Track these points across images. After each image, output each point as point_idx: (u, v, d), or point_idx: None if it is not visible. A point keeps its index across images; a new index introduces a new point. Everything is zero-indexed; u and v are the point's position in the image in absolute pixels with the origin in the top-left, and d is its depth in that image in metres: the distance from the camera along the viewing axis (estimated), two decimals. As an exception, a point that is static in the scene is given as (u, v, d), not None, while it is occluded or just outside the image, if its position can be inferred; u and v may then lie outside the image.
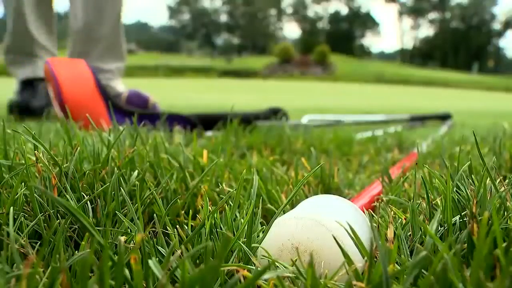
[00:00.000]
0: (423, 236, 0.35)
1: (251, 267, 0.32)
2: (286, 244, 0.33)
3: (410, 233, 0.37)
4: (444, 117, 2.05)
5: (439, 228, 0.36)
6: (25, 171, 0.41)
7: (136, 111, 1.39)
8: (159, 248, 0.35)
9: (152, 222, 0.44)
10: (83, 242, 0.32)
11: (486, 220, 0.27)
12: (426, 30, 72.37)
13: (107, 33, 1.75)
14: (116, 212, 0.39)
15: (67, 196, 0.40)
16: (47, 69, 1.27)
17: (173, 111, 1.47)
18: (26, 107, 1.68)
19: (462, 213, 0.37)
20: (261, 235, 0.37)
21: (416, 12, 72.04)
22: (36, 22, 1.73)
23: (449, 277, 0.26)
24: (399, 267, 0.29)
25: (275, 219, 0.35)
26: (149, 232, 0.37)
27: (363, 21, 72.61)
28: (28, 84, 1.76)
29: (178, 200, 0.46)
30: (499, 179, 0.42)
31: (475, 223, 0.33)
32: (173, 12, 70.45)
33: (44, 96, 1.66)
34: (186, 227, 0.40)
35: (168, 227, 0.39)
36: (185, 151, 0.59)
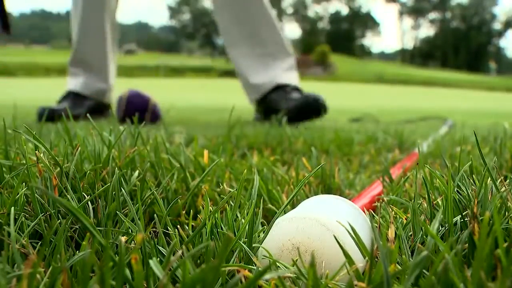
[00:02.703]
0: (424, 236, 0.35)
1: (252, 267, 0.32)
2: (287, 244, 0.33)
3: (411, 233, 0.37)
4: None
5: (440, 228, 0.36)
6: (26, 171, 0.41)
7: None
8: (160, 248, 0.35)
9: (153, 222, 0.44)
10: (84, 242, 0.32)
11: (487, 220, 0.27)
12: (427, 30, 72.35)
13: None
14: (117, 212, 0.39)
15: (68, 196, 0.40)
16: None
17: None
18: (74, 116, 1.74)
19: (463, 213, 0.37)
20: (261, 235, 0.37)
21: (416, 12, 71.99)
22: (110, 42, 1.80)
23: (450, 277, 0.26)
24: (400, 267, 0.29)
25: (276, 219, 0.35)
26: (150, 232, 0.37)
27: (364, 21, 72.55)
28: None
29: (179, 200, 0.46)
30: (500, 179, 0.42)
31: (476, 223, 0.33)
32: (174, 12, 70.42)
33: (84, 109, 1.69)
34: (187, 227, 0.40)
35: (169, 227, 0.39)
36: (186, 151, 0.59)
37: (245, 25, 1.71)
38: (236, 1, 1.72)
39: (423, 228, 0.36)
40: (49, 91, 4.32)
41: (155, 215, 0.40)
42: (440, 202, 0.41)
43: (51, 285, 0.26)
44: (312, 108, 1.55)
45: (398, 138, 1.07)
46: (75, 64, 1.83)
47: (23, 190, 0.39)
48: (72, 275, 0.31)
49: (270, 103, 1.67)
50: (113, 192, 0.41)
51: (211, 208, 0.39)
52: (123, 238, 0.34)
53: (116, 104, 1.65)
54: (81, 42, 1.79)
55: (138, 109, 1.58)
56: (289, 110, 1.53)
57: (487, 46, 65.78)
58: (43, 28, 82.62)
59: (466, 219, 0.36)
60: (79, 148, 0.47)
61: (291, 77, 1.73)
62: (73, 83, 1.83)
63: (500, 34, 67.86)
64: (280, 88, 1.68)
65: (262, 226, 0.40)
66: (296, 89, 1.70)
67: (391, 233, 0.33)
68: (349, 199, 0.43)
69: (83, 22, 1.76)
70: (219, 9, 1.75)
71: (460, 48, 63.26)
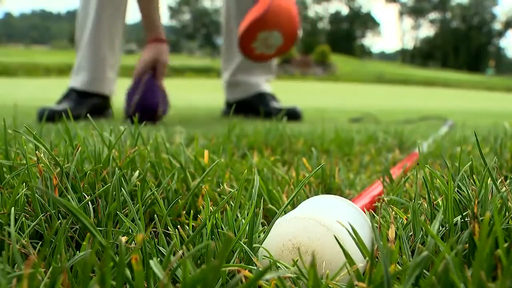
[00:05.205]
0: (425, 237, 0.35)
1: (252, 267, 0.32)
2: (287, 245, 0.33)
3: (411, 233, 0.37)
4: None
5: (441, 228, 0.36)
6: (26, 171, 0.41)
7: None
8: (160, 248, 0.35)
9: (153, 223, 0.44)
10: (84, 243, 0.32)
11: (488, 220, 0.27)
12: (427, 30, 72.33)
13: None
14: (117, 212, 0.39)
15: (68, 196, 0.40)
16: None
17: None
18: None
19: (464, 213, 0.37)
20: (262, 235, 0.37)
21: (416, 12, 71.98)
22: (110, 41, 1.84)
23: (450, 277, 0.26)
24: (400, 267, 0.29)
25: (276, 219, 0.35)
26: (150, 233, 0.37)
27: (364, 21, 72.54)
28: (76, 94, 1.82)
29: (179, 200, 0.46)
30: (500, 179, 0.42)
31: (476, 223, 0.33)
32: (174, 12, 70.44)
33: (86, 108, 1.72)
34: (187, 228, 0.40)
35: (169, 227, 0.39)
36: (186, 151, 0.59)
37: None
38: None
39: (423, 228, 0.36)
40: (49, 91, 4.32)
41: (155, 215, 0.40)
42: (440, 202, 0.41)
43: (51, 285, 0.26)
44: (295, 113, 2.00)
45: (398, 138, 1.07)
46: (80, 62, 1.83)
47: (23, 190, 0.39)
48: (72, 275, 0.31)
49: (252, 104, 2.07)
50: (114, 192, 0.41)
51: (211, 208, 0.39)
52: (124, 238, 0.34)
53: (126, 97, 1.64)
54: (88, 41, 1.79)
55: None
56: (277, 111, 1.89)
57: (487, 46, 65.81)
58: (43, 28, 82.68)
59: (466, 219, 0.36)
60: (80, 148, 0.47)
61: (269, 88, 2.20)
62: (75, 80, 1.83)
63: (500, 34, 67.85)
64: (262, 95, 2.12)
65: (263, 226, 0.40)
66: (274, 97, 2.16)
67: (391, 233, 0.33)
68: (350, 199, 0.43)
69: (96, 23, 1.77)
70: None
71: (460, 48, 63.27)
